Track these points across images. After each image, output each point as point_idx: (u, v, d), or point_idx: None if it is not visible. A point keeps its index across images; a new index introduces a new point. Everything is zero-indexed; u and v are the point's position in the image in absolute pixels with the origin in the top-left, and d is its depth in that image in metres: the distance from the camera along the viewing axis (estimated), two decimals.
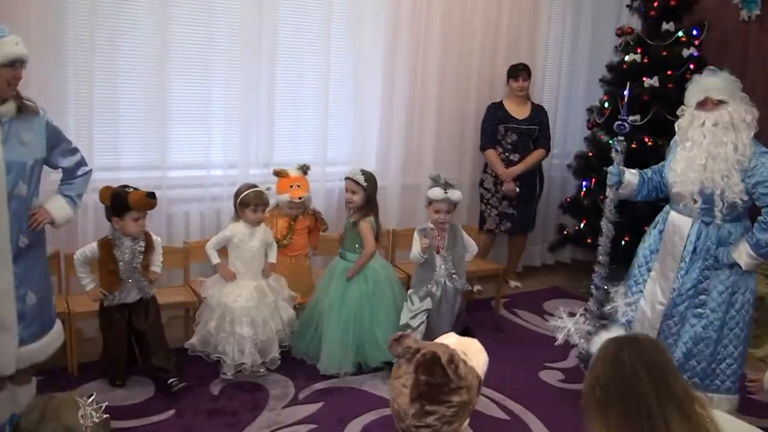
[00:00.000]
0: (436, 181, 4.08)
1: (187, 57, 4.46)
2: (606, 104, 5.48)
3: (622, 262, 4.14)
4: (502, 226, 5.52)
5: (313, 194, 4.63)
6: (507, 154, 5.41)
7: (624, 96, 3.87)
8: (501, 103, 5.46)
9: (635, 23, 5.63)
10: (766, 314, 4.46)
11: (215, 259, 3.95)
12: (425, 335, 3.93)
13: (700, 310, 3.43)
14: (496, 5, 5.56)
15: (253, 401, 3.70)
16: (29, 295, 3.07)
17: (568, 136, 6.29)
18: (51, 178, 3.38)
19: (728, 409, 3.26)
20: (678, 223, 3.49)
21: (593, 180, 5.50)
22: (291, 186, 4.23)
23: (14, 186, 2.94)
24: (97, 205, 3.86)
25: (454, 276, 4.13)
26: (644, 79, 5.20)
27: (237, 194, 3.97)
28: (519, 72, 5.37)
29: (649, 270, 3.62)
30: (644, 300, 3.60)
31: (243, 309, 3.81)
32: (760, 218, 3.27)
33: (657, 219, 3.68)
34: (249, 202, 3.90)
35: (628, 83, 3.92)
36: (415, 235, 4.11)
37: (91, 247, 3.66)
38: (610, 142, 5.09)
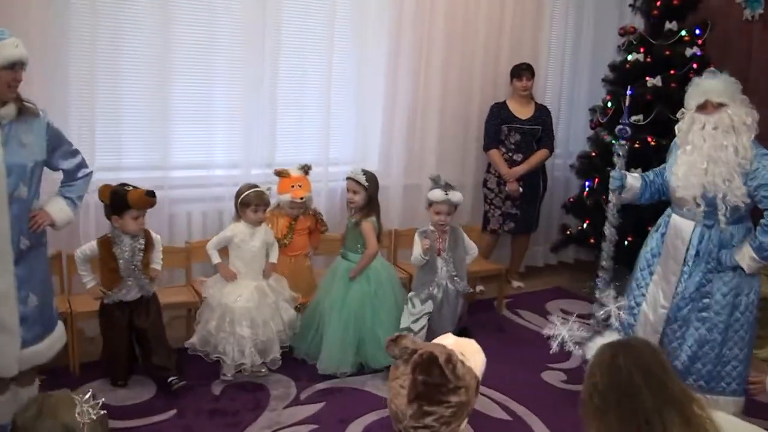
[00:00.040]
0: (436, 183, 4.08)
1: (190, 57, 4.45)
2: (609, 104, 5.47)
3: (625, 263, 4.13)
4: (505, 226, 5.51)
5: (315, 194, 4.64)
6: (510, 154, 5.40)
7: (626, 96, 3.85)
8: (504, 103, 5.45)
9: (638, 22, 5.61)
10: None
11: (216, 259, 3.95)
12: (426, 338, 3.92)
13: (704, 314, 3.41)
14: (499, 5, 5.55)
15: (254, 401, 3.69)
16: (31, 296, 3.07)
17: (571, 136, 6.27)
18: (51, 178, 3.36)
19: (734, 411, 3.25)
20: (680, 226, 3.48)
21: (596, 180, 5.49)
22: (292, 186, 4.22)
23: (15, 188, 2.94)
24: (98, 205, 3.87)
25: (455, 278, 4.12)
26: (647, 78, 5.19)
27: (238, 194, 3.97)
28: (522, 72, 5.36)
29: (651, 273, 3.61)
30: (646, 303, 3.59)
31: (243, 309, 3.81)
32: (762, 221, 3.26)
33: (659, 222, 3.66)
34: (250, 202, 3.90)
35: (629, 89, 3.90)
36: (416, 237, 4.11)
37: (90, 246, 3.66)
38: (613, 141, 5.09)
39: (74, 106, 4.14)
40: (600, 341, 3.23)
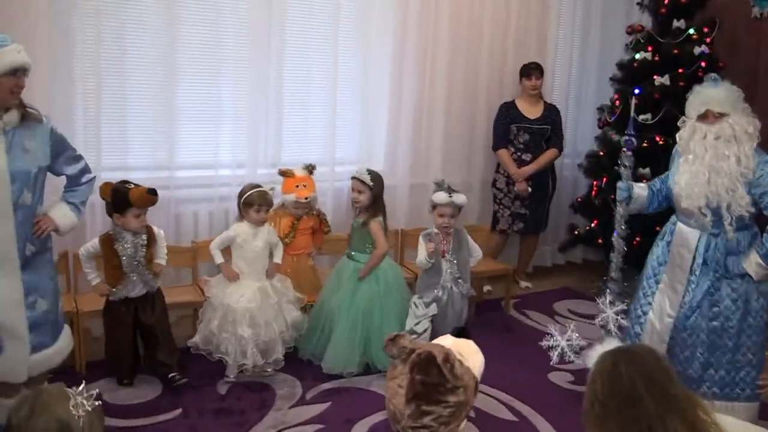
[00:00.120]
0: (440, 186, 4.07)
1: (195, 57, 4.46)
2: (617, 103, 5.44)
3: (633, 264, 4.10)
4: (514, 226, 5.50)
5: (321, 194, 4.63)
6: (519, 153, 5.38)
7: (632, 106, 3.82)
8: (513, 102, 5.44)
9: (646, 21, 5.58)
10: None
11: (219, 258, 3.95)
12: (430, 341, 3.91)
13: (715, 323, 3.37)
14: (505, 4, 5.53)
15: (260, 401, 3.69)
16: (39, 302, 3.10)
17: (579, 136, 6.25)
18: (53, 183, 3.38)
19: (749, 417, 3.23)
20: (685, 235, 3.46)
21: (604, 179, 5.46)
22: (297, 186, 4.22)
23: (19, 195, 2.95)
24: (104, 204, 3.87)
25: (459, 280, 4.10)
26: (655, 77, 5.16)
27: (241, 194, 3.98)
28: (531, 71, 5.35)
29: (657, 282, 3.59)
30: (653, 312, 3.56)
31: (244, 310, 3.80)
32: None
33: (664, 230, 3.65)
34: (252, 202, 3.90)
35: (634, 98, 3.88)
36: (420, 240, 4.09)
37: (93, 243, 3.68)
38: (619, 141, 5.06)
39: (80, 106, 4.16)
40: (600, 349, 3.21)
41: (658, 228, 3.85)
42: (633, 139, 3.69)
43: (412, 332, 3.97)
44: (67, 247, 3.96)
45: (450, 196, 4.02)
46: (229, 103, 4.62)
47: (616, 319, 3.52)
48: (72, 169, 3.27)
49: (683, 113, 3.48)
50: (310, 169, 4.33)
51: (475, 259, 4.26)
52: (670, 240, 3.54)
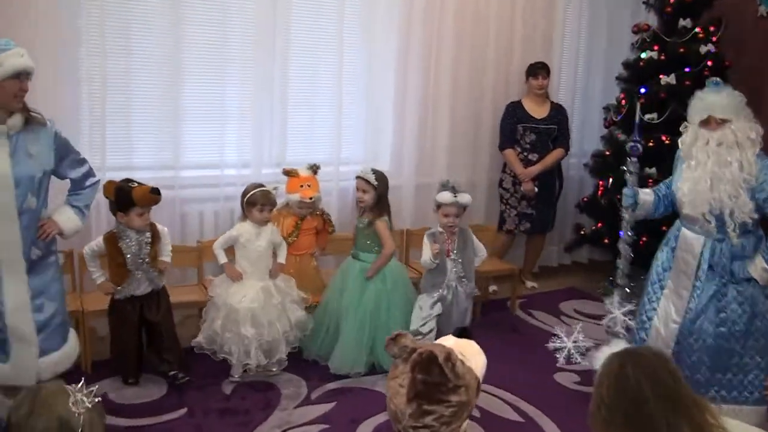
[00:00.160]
0: (444, 186, 4.07)
1: (200, 57, 4.47)
2: (623, 102, 5.42)
3: (640, 264, 4.09)
4: (521, 226, 5.49)
5: (326, 194, 4.64)
6: (526, 153, 5.37)
7: (638, 114, 3.81)
8: (519, 102, 5.43)
9: (652, 20, 5.56)
10: None
11: (222, 258, 3.95)
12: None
13: (722, 329, 3.35)
14: (510, 1, 5.52)
15: (265, 401, 3.69)
16: (46, 304, 3.12)
17: (585, 135, 6.22)
18: (57, 186, 3.38)
19: (757, 421, 3.21)
20: (690, 241, 3.44)
21: (610, 179, 5.44)
22: (301, 186, 4.21)
23: (24, 200, 2.97)
24: (108, 203, 3.87)
25: (463, 280, 4.09)
26: (661, 76, 5.14)
27: (244, 194, 3.97)
28: (538, 70, 5.34)
29: (662, 288, 3.58)
30: (657, 318, 3.55)
31: (247, 309, 3.80)
32: None
33: (668, 236, 3.63)
34: (256, 202, 3.90)
35: (639, 104, 3.86)
36: (425, 239, 4.09)
37: (97, 242, 3.68)
38: (626, 140, 5.04)
39: (85, 105, 4.17)
40: (607, 350, 3.20)
41: (664, 228, 3.84)
42: (639, 146, 3.68)
43: (417, 333, 3.97)
44: (72, 247, 3.97)
45: (455, 196, 4.01)
46: (234, 102, 4.62)
47: (624, 321, 3.52)
48: (76, 173, 3.28)
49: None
50: (314, 169, 4.32)
51: (480, 258, 4.25)
52: (675, 246, 3.53)
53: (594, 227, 5.74)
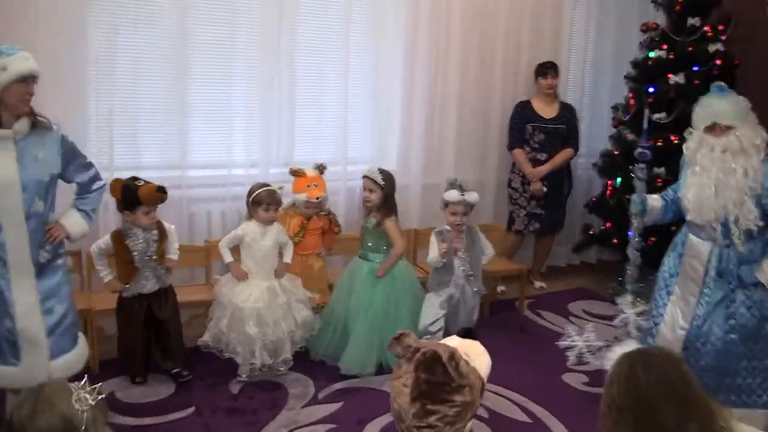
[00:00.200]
0: (452, 184, 4.06)
1: (208, 56, 4.48)
2: (631, 102, 5.39)
3: (650, 264, 4.06)
4: (530, 226, 5.47)
5: (334, 193, 4.64)
6: (534, 153, 5.36)
7: (647, 118, 3.79)
8: (529, 101, 5.42)
9: (660, 19, 5.53)
10: None
11: (228, 257, 3.94)
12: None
13: (732, 336, 3.33)
14: (518, 0, 5.50)
15: (272, 400, 3.69)
16: (56, 307, 3.14)
17: (593, 135, 6.19)
18: (63, 188, 3.39)
19: (767, 424, 3.19)
20: (697, 247, 3.43)
21: (619, 179, 5.41)
22: (308, 185, 4.20)
23: (31, 204, 2.99)
24: (115, 201, 3.88)
25: (470, 278, 4.08)
26: (669, 75, 5.11)
27: (249, 193, 3.97)
28: (547, 70, 5.34)
29: (669, 294, 3.56)
30: (664, 324, 3.53)
31: (251, 309, 3.79)
32: None
33: (675, 241, 3.62)
34: (261, 201, 3.90)
35: (648, 110, 3.84)
36: (432, 238, 4.08)
37: (105, 240, 3.69)
38: (634, 140, 5.01)
39: (93, 105, 4.19)
40: (619, 350, 3.18)
41: (674, 228, 3.81)
42: (647, 152, 3.66)
43: (426, 332, 3.97)
44: (80, 246, 3.97)
45: (462, 194, 4.00)
46: (241, 102, 4.63)
47: (636, 321, 3.50)
48: (83, 177, 3.29)
49: None
50: (321, 168, 4.31)
51: (488, 256, 4.24)
52: (682, 252, 3.51)
53: (603, 227, 5.71)
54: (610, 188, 5.56)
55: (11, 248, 2.97)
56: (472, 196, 4.04)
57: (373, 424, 3.48)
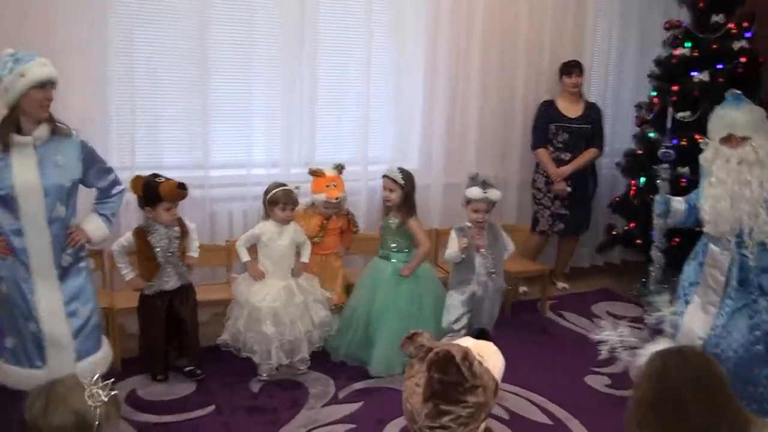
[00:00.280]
0: (474, 180, 4.02)
1: (229, 57, 4.50)
2: (655, 100, 5.33)
3: (674, 266, 4.01)
4: (555, 227, 5.44)
5: (355, 193, 4.64)
6: (558, 153, 5.33)
7: (671, 117, 3.75)
8: (552, 101, 5.39)
9: (684, 16, 5.46)
10: None
11: (245, 257, 3.96)
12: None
13: (759, 346, 3.28)
14: None
15: (292, 399, 3.70)
16: (80, 309, 3.18)
17: (617, 134, 6.12)
18: (82, 191, 3.43)
19: None
20: (717, 257, 3.39)
21: (642, 179, 5.35)
22: (327, 186, 4.20)
23: (53, 209, 3.03)
24: (136, 198, 3.91)
25: (493, 275, 4.06)
26: (693, 73, 5.04)
27: (266, 193, 3.98)
28: (572, 69, 5.30)
29: (687, 303, 3.52)
30: (682, 333, 3.49)
31: (268, 308, 3.80)
32: None
33: (696, 250, 3.58)
34: (277, 201, 3.90)
35: (671, 109, 3.80)
36: (453, 233, 4.06)
37: (127, 237, 3.72)
38: (658, 139, 4.95)
39: (114, 106, 4.23)
40: (652, 348, 3.14)
41: (699, 229, 3.76)
42: (671, 152, 3.63)
43: (450, 330, 3.96)
44: (101, 245, 4.00)
45: (485, 192, 3.97)
46: (262, 102, 4.65)
47: (671, 320, 3.45)
48: (103, 182, 3.33)
49: None
50: (339, 168, 4.30)
51: (509, 252, 4.22)
52: (702, 261, 3.48)
53: (626, 227, 5.65)
54: (633, 188, 5.51)
55: (34, 253, 3.02)
56: (494, 194, 4.01)
57: (393, 424, 3.47)
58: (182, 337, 3.83)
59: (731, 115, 3.29)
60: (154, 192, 3.59)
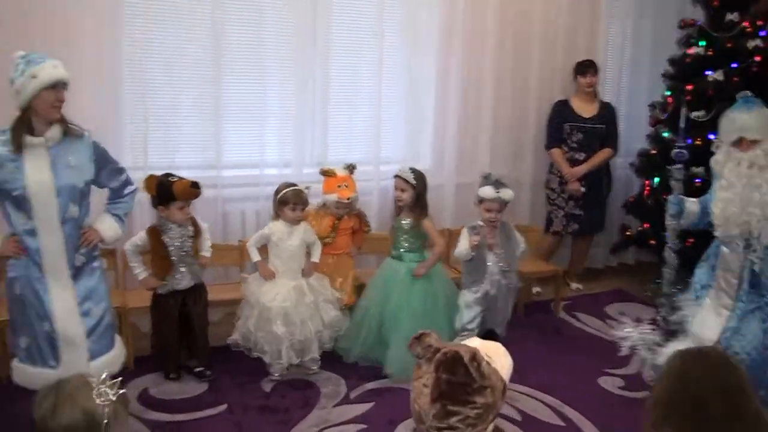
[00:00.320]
0: (487, 180, 4.01)
1: (241, 57, 4.51)
2: (669, 100, 5.29)
3: (687, 267, 3.99)
4: (569, 227, 5.41)
5: (367, 193, 4.64)
6: (572, 153, 5.31)
7: (685, 116, 3.73)
8: (567, 101, 5.37)
9: (698, 15, 5.42)
10: None
11: (255, 256, 3.96)
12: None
13: None
14: None
15: (304, 399, 3.71)
16: (94, 309, 3.20)
17: (631, 134, 6.07)
18: (94, 191, 3.45)
19: None
20: (729, 259, 3.39)
21: (656, 179, 5.31)
22: (338, 186, 4.19)
23: (66, 209, 3.05)
24: (149, 198, 3.93)
25: (506, 273, 4.05)
26: (708, 73, 4.99)
27: (276, 193, 3.99)
28: (587, 68, 5.29)
29: (699, 306, 3.50)
30: (692, 335, 3.47)
31: (278, 308, 3.81)
32: None
33: (708, 252, 3.57)
34: (288, 201, 3.91)
35: (685, 108, 3.77)
36: (464, 231, 4.06)
37: (140, 236, 3.74)
38: (672, 138, 4.91)
39: (127, 107, 4.25)
40: (673, 347, 3.12)
41: (711, 230, 3.74)
42: (684, 152, 3.61)
43: (464, 329, 3.97)
44: (114, 244, 4.03)
45: (497, 192, 3.97)
46: (275, 102, 4.65)
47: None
48: (115, 182, 3.36)
49: None
50: (351, 168, 4.30)
51: (521, 250, 4.21)
52: (714, 264, 3.47)
53: (640, 228, 5.61)
54: (647, 188, 5.47)
55: (47, 253, 3.05)
56: (507, 194, 4.00)
57: (405, 425, 3.47)
58: (191, 337, 3.85)
59: (742, 118, 3.29)
60: (168, 191, 3.61)
